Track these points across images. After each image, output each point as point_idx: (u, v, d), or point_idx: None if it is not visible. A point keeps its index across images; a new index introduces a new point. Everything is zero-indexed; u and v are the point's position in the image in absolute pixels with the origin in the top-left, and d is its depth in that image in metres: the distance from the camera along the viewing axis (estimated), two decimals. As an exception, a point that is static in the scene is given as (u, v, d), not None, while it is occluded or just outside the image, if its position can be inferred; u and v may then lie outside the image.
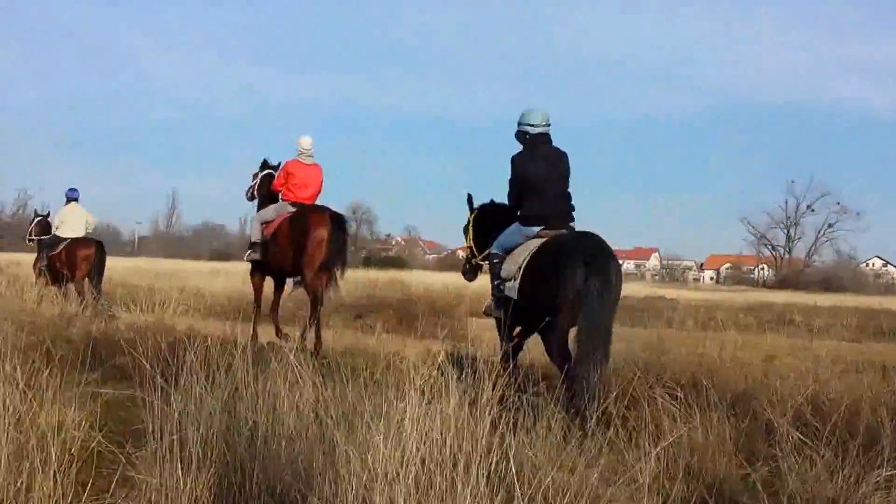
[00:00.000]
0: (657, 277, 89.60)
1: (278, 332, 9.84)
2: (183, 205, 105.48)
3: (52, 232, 14.02)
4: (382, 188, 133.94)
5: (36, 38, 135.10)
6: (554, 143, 6.54)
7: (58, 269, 13.22)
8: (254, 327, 9.80)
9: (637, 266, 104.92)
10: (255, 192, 10.28)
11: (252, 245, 9.86)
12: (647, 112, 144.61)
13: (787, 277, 72.70)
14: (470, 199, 7.60)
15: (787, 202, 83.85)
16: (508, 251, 6.45)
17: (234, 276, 22.82)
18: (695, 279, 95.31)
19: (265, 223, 9.63)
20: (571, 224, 6.46)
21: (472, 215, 7.43)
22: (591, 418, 4.66)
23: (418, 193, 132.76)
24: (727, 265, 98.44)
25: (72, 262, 13.08)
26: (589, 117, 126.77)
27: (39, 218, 14.99)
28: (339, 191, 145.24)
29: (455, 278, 36.54)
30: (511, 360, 6.40)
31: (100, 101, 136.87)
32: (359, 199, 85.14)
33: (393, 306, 16.00)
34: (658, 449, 4.18)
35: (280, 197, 9.67)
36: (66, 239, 13.49)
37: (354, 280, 22.07)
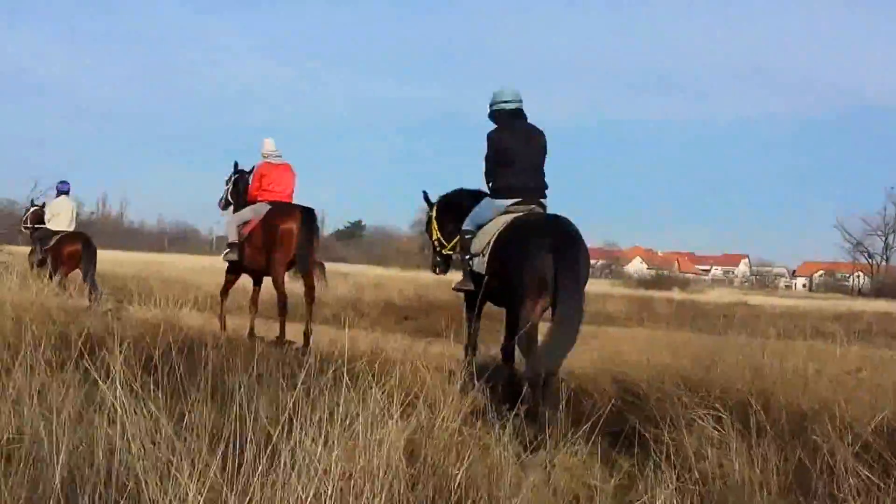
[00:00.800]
0: (746, 284, 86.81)
1: (251, 331, 9.65)
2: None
3: (45, 224, 13.81)
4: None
5: (142, 43, 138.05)
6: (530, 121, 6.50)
7: (55, 263, 12.88)
8: (222, 324, 9.60)
9: (725, 272, 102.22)
10: (229, 198, 10.27)
11: (229, 245, 9.82)
12: (740, 114, 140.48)
13: (883, 286, 69.23)
14: (426, 196, 7.66)
15: (885, 209, 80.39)
16: (480, 226, 6.39)
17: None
18: (786, 286, 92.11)
19: (243, 224, 9.61)
20: (543, 200, 6.35)
21: (433, 210, 7.47)
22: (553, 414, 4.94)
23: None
24: (820, 272, 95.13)
25: (58, 258, 12.95)
26: (682, 117, 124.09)
27: (35, 208, 14.73)
28: (411, 193, 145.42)
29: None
30: (473, 350, 6.99)
31: (196, 107, 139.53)
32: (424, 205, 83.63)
33: (444, 308, 15.07)
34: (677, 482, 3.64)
35: (257, 199, 9.66)
36: (57, 232, 13.41)
37: (407, 279, 21.46)
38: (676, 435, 4.61)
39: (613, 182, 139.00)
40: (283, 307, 9.23)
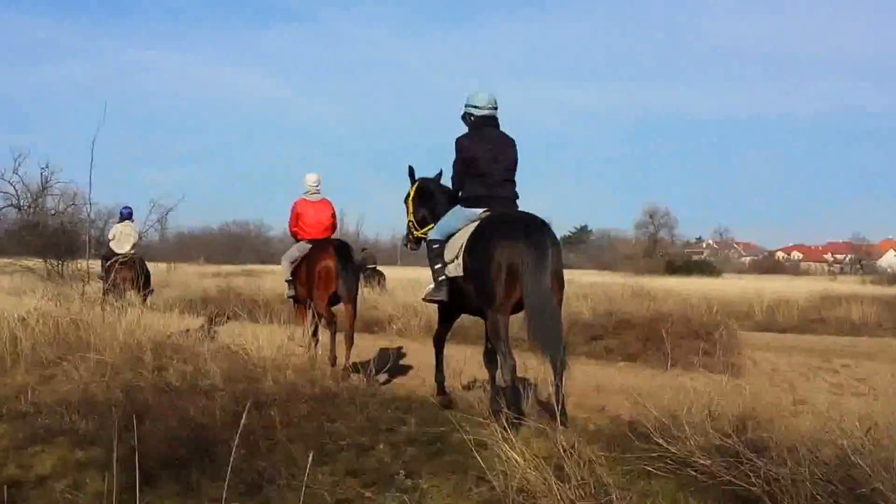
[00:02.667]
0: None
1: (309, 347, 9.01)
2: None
3: (109, 245, 14.67)
4: (686, 190, 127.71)
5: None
6: (502, 128, 6.39)
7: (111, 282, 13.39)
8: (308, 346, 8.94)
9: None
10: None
11: (287, 283, 9.83)
12: None
13: None
14: (411, 172, 7.16)
15: None
16: (450, 235, 6.27)
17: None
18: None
19: (292, 261, 9.70)
20: (533, 213, 6.08)
21: (413, 188, 7.08)
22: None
23: (728, 193, 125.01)
24: None
25: (114, 279, 13.30)
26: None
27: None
28: (633, 196, 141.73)
29: (758, 284, 32.24)
30: (439, 353, 7.02)
31: (415, 126, 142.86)
32: (654, 203, 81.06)
33: (638, 325, 12.55)
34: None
35: (296, 238, 9.86)
36: (117, 255, 13.95)
37: (597, 293, 18.87)
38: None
39: (859, 172, 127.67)
40: (334, 337, 9.12)
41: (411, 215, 7.11)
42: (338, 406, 5.86)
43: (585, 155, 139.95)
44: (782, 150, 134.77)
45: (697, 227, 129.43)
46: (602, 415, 7.29)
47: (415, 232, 7.10)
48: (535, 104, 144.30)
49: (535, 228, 5.60)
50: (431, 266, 6.46)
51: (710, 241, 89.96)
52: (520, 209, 6.15)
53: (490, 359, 6.38)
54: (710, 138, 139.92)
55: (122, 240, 14.38)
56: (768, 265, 79.36)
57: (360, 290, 9.63)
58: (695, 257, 75.62)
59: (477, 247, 5.78)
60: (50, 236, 31.02)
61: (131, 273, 13.85)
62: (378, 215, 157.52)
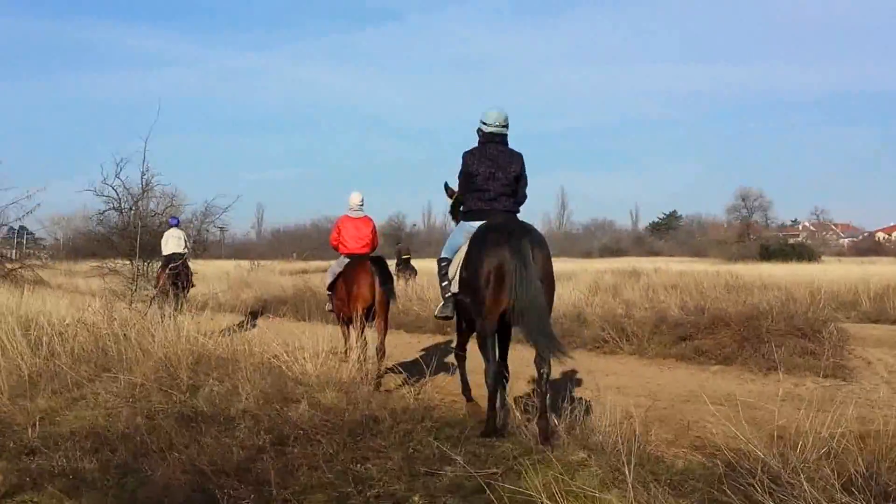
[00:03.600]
0: None
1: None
2: (573, 203, 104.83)
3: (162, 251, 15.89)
4: (780, 171, 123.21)
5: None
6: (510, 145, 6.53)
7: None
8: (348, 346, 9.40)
9: None
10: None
11: (328, 296, 10.29)
12: None
13: None
14: (447, 186, 7.20)
15: None
16: (456, 252, 6.37)
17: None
18: None
19: (334, 275, 10.05)
20: (520, 219, 6.30)
21: (453, 200, 7.11)
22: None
23: (824, 173, 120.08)
24: None
25: (158, 280, 14.92)
26: None
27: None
28: (725, 180, 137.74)
29: (860, 268, 30.17)
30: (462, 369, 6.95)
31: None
32: (748, 186, 78.08)
33: (734, 323, 11.35)
34: None
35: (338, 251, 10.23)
36: (165, 256, 15.41)
37: (686, 284, 17.56)
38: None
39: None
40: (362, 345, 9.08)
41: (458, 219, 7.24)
42: (376, 436, 4.99)
43: (675, 139, 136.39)
44: (880, 125, 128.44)
45: (792, 210, 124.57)
46: (693, 441, 6.24)
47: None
48: (625, 89, 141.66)
49: (519, 234, 5.58)
50: (440, 283, 6.58)
51: (807, 224, 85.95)
52: (513, 219, 6.24)
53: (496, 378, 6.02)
54: (803, 117, 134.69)
55: (170, 243, 15.77)
56: (869, 246, 75.12)
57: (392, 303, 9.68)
58: (791, 240, 72.08)
59: (468, 259, 5.90)
60: (135, 238, 31.25)
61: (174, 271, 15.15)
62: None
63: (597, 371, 10.66)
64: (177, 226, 16.40)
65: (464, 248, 6.10)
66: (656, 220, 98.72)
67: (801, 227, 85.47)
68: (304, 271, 55.03)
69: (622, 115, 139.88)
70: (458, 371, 7.05)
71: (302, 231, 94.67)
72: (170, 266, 15.06)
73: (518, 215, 6.48)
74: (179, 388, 6.33)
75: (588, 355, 11.90)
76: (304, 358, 6.93)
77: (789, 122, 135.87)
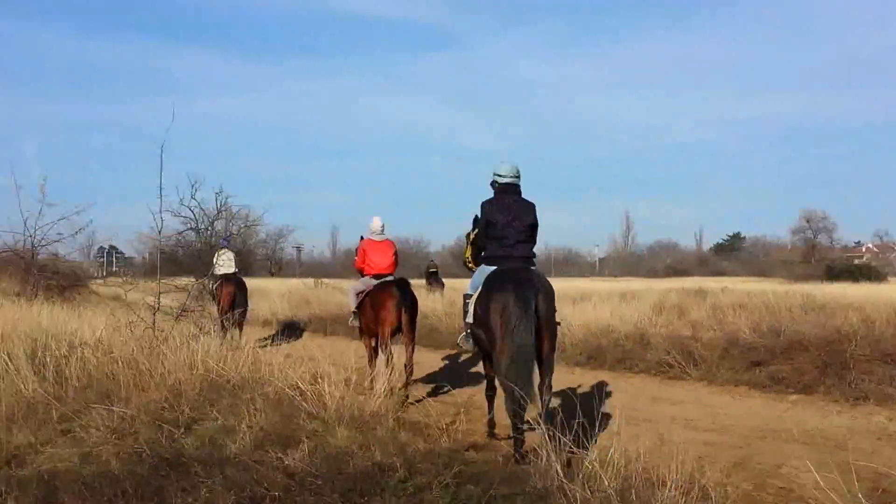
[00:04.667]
0: None
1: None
2: (637, 225, 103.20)
3: (213, 271, 16.41)
4: (844, 194, 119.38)
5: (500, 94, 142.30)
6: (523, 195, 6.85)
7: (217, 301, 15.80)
8: (371, 374, 9.28)
9: None
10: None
11: (353, 313, 10.53)
12: None
13: None
14: (476, 218, 7.30)
15: None
16: (476, 289, 6.59)
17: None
18: None
19: (358, 293, 10.32)
20: (530, 267, 6.58)
21: (474, 231, 7.53)
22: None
23: (888, 196, 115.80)
24: None
25: (219, 297, 15.54)
26: None
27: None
28: (788, 202, 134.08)
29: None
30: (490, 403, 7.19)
31: (558, 140, 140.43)
32: (811, 208, 75.87)
33: (813, 348, 10.06)
34: None
35: (363, 272, 10.41)
36: (220, 276, 16.01)
37: (756, 305, 16.12)
38: None
39: None
40: (389, 361, 9.22)
41: (468, 252, 7.81)
42: (380, 493, 3.97)
43: (738, 162, 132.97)
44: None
45: (855, 232, 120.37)
46: (778, 492, 5.13)
47: (471, 266, 7.70)
48: (688, 114, 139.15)
49: (524, 282, 6.05)
50: (464, 318, 6.92)
51: (870, 245, 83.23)
52: (527, 266, 6.58)
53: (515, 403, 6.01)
54: (866, 141, 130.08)
55: (223, 263, 16.49)
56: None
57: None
58: (855, 261, 69.66)
59: (481, 300, 6.31)
60: (198, 256, 31.29)
61: (231, 287, 15.87)
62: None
63: (662, 399, 9.50)
64: (227, 247, 17.42)
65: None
66: (720, 241, 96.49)
67: (864, 249, 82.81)
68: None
69: (683, 140, 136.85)
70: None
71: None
72: (222, 280, 15.83)
73: (532, 258, 6.84)
74: (178, 423, 5.42)
75: (652, 381, 10.74)
76: (324, 389, 5.95)
77: (850, 145, 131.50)
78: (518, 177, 6.83)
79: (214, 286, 16.16)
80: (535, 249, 6.87)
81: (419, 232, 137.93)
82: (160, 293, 9.19)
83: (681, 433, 7.58)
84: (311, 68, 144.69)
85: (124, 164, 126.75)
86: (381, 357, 9.36)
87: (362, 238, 10.72)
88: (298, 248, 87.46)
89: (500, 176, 6.79)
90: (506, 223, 6.57)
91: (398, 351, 9.37)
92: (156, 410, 5.62)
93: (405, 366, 9.29)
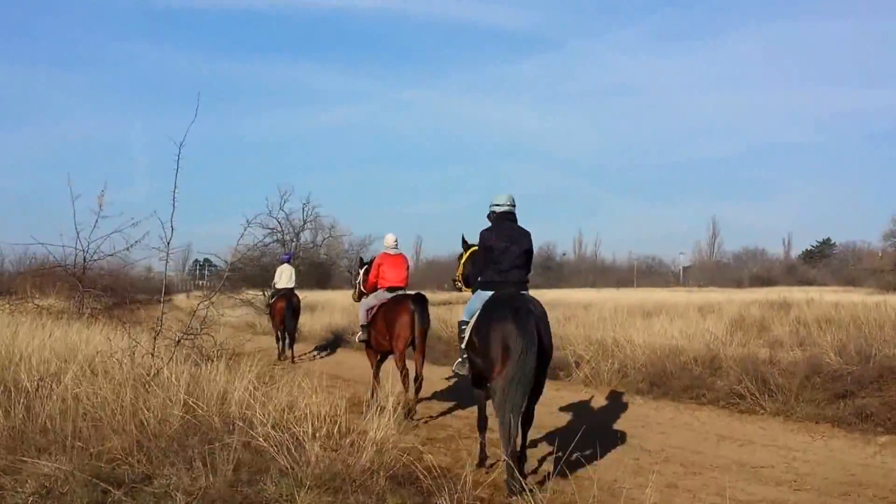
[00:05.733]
0: None
1: (373, 394, 9.71)
2: (724, 232, 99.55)
3: (274, 285, 17.31)
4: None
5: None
6: (519, 223, 7.01)
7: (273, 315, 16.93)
8: (373, 393, 9.74)
9: None
10: (363, 289, 10.94)
11: (362, 328, 10.40)
12: None
13: None
14: (464, 240, 8.18)
15: None
16: (472, 316, 6.67)
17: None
18: None
19: (369, 309, 10.19)
20: (523, 292, 6.63)
21: (468, 252, 7.98)
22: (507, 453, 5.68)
23: None
24: None
25: (273, 309, 16.68)
26: None
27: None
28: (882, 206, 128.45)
29: None
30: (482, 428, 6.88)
31: (653, 145, 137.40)
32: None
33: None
34: None
35: (377, 286, 10.28)
36: (279, 290, 16.75)
37: (844, 321, 14.34)
38: None
39: None
40: (405, 378, 9.41)
41: (460, 272, 8.08)
42: None
43: (827, 164, 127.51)
44: None
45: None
46: None
47: (460, 286, 8.18)
48: (775, 112, 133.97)
49: (522, 311, 6.10)
50: (459, 343, 6.91)
51: None
52: (522, 291, 6.63)
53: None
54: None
55: (283, 278, 17.04)
56: None
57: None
58: None
59: (479, 327, 6.38)
60: (262, 268, 31.10)
61: (283, 302, 16.37)
62: (616, 234, 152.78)
63: (729, 439, 8.20)
64: (288, 261, 17.85)
65: (476, 315, 6.56)
66: (809, 247, 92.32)
67: None
68: (448, 302, 53.45)
69: (771, 140, 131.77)
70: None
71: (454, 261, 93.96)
72: (279, 294, 16.60)
73: (527, 283, 6.87)
74: (124, 481, 4.48)
75: (720, 415, 9.38)
76: (306, 430, 4.94)
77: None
78: (514, 205, 7.01)
79: (271, 300, 17.10)
80: (529, 275, 6.95)
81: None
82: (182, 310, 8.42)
83: (746, 487, 6.32)
84: (404, 76, 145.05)
85: (228, 177, 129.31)
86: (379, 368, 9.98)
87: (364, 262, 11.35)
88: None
89: (497, 205, 6.97)
90: (503, 250, 6.70)
91: (409, 365, 9.43)
92: (97, 468, 4.68)
93: (415, 379, 9.41)
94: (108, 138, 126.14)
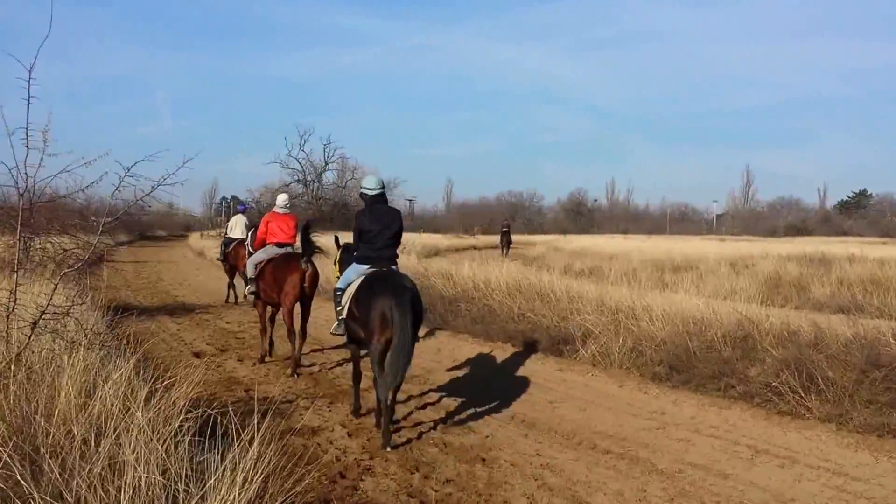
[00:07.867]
0: None
1: (268, 351, 10.34)
2: (758, 181, 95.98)
3: (227, 234, 17.24)
4: None
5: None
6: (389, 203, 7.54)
7: (230, 263, 16.38)
8: (263, 346, 10.27)
9: None
10: (251, 248, 11.42)
11: (249, 281, 10.41)
12: None
13: None
14: (336, 240, 8.66)
15: None
16: (348, 285, 7.21)
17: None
18: None
19: (258, 263, 10.18)
20: (393, 266, 7.22)
21: (339, 254, 8.28)
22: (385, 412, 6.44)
23: None
24: None
25: (235, 260, 15.90)
26: None
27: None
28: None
29: None
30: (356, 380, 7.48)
31: (688, 93, 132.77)
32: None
33: None
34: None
35: (265, 241, 10.39)
36: (234, 240, 16.43)
37: (885, 283, 12.12)
38: None
39: None
40: (290, 334, 9.48)
41: (337, 270, 8.11)
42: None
43: (864, 115, 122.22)
44: None
45: None
46: None
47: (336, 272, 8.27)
48: (811, 65, 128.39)
49: (401, 288, 6.64)
50: (335, 308, 7.43)
51: None
52: (394, 269, 7.20)
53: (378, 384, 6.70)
54: None
55: (237, 229, 16.68)
56: None
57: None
58: None
59: (361, 298, 6.85)
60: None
61: (243, 250, 15.25)
62: (647, 180, 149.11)
63: (765, 452, 6.23)
64: (243, 212, 17.56)
65: (353, 285, 7.07)
66: (845, 198, 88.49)
67: None
68: (474, 247, 51.24)
69: (808, 90, 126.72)
70: None
71: (486, 204, 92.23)
72: (236, 243, 16.13)
73: (396, 258, 7.34)
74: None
75: (754, 416, 7.39)
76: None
77: None
78: (384, 188, 7.39)
79: (226, 250, 16.64)
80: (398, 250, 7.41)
81: (532, 186, 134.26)
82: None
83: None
84: (429, 17, 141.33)
85: (259, 117, 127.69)
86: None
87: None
88: (411, 201, 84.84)
89: (368, 189, 7.30)
90: (377, 232, 7.13)
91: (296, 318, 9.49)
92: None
93: (299, 331, 9.45)
94: (131, 75, 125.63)
